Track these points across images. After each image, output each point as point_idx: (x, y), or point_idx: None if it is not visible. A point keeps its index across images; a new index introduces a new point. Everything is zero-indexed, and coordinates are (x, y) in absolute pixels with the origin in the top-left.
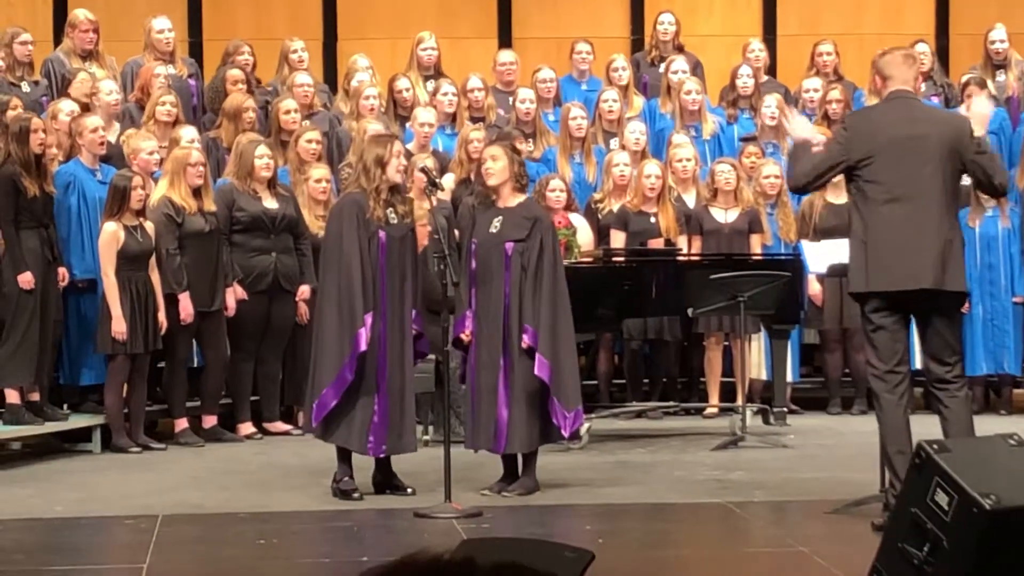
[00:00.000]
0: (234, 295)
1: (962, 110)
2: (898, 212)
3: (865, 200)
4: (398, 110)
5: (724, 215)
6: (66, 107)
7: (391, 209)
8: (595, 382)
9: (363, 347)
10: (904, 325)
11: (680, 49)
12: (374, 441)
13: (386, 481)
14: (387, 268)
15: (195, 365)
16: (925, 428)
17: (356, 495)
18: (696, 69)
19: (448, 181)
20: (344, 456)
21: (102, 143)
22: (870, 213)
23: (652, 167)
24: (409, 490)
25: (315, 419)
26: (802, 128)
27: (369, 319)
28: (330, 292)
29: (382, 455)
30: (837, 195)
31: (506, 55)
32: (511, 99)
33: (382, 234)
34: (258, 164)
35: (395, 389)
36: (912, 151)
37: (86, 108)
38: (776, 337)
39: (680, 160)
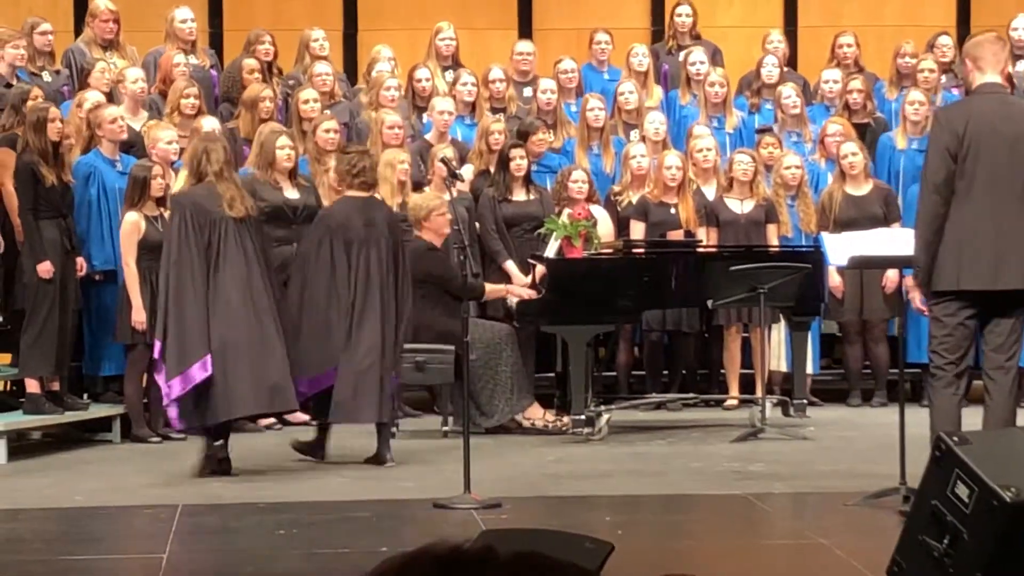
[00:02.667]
0: None
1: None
2: (989, 211)
3: (956, 197)
4: (416, 100)
5: (740, 206)
6: (92, 97)
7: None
8: (615, 373)
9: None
10: (975, 322)
11: (698, 38)
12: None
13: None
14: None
15: None
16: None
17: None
18: (715, 56)
19: (467, 172)
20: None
21: (122, 131)
22: (960, 211)
23: (672, 158)
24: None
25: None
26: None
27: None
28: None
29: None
30: (857, 187)
31: (524, 45)
32: (529, 89)
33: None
34: (279, 154)
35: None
36: (1003, 150)
37: (108, 98)
38: (796, 329)
39: (701, 150)
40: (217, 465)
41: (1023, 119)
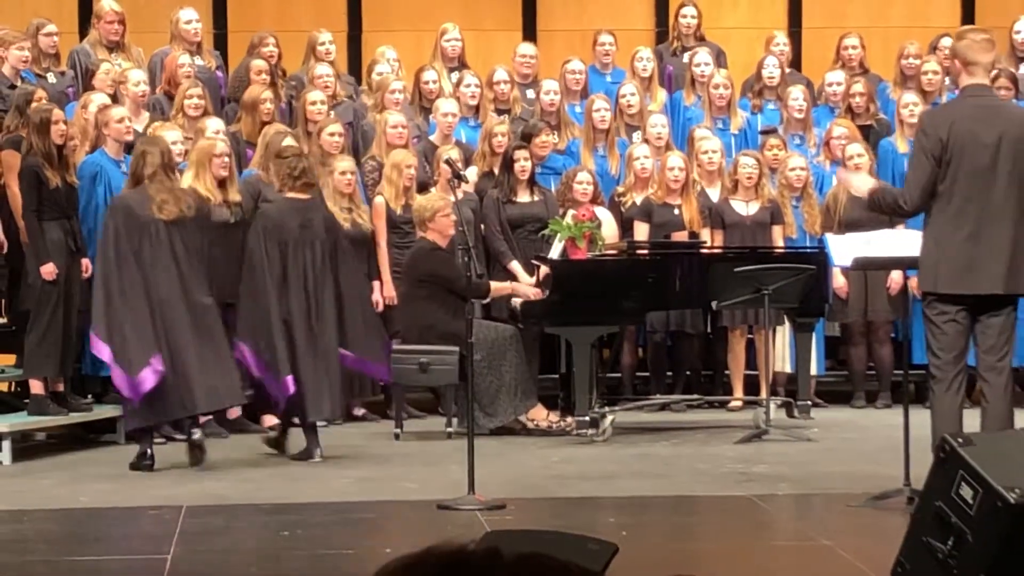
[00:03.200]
0: None
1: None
2: (971, 215)
3: (937, 201)
4: (423, 102)
5: (745, 208)
6: (98, 99)
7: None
8: (619, 375)
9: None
10: (968, 318)
11: (702, 40)
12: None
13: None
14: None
15: None
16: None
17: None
18: (719, 58)
19: (471, 173)
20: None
21: (128, 132)
22: (941, 214)
23: (676, 159)
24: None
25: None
26: (864, 180)
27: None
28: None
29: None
30: None
31: (526, 48)
32: (532, 91)
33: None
34: None
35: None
36: (987, 152)
37: (112, 99)
38: (800, 330)
39: (706, 152)
40: (142, 463)
41: (1007, 122)
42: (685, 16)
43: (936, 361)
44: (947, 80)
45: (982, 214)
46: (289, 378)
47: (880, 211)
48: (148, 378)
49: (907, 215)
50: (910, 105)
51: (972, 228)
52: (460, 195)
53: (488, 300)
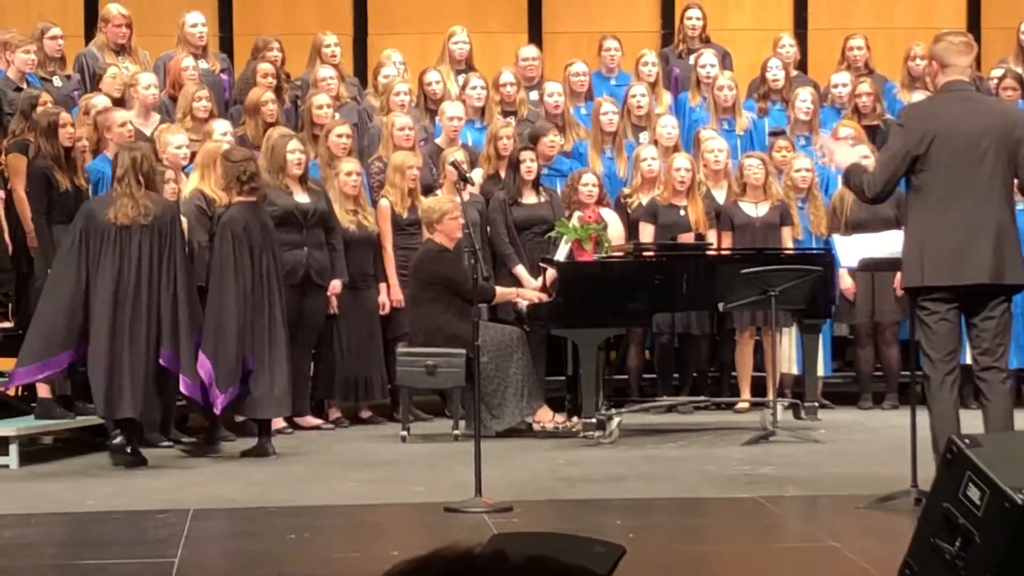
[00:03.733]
0: None
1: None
2: (954, 207)
3: (919, 195)
4: (428, 104)
5: (754, 209)
6: (99, 102)
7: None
8: (625, 376)
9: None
10: (958, 315)
11: (707, 41)
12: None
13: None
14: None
15: None
16: (974, 423)
17: (128, 452)
18: (724, 60)
19: (477, 176)
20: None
21: (131, 136)
22: (924, 208)
23: (681, 160)
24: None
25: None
26: (846, 154)
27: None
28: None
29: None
30: None
31: (528, 50)
32: (535, 93)
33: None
34: (290, 159)
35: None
36: (967, 145)
37: (117, 103)
38: (807, 332)
39: (712, 151)
40: (123, 458)
41: (989, 114)
42: (691, 18)
43: (928, 361)
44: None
45: (965, 206)
46: (232, 388)
47: (848, 187)
48: (52, 366)
49: (868, 201)
50: None
51: (955, 220)
52: (466, 197)
53: (493, 304)
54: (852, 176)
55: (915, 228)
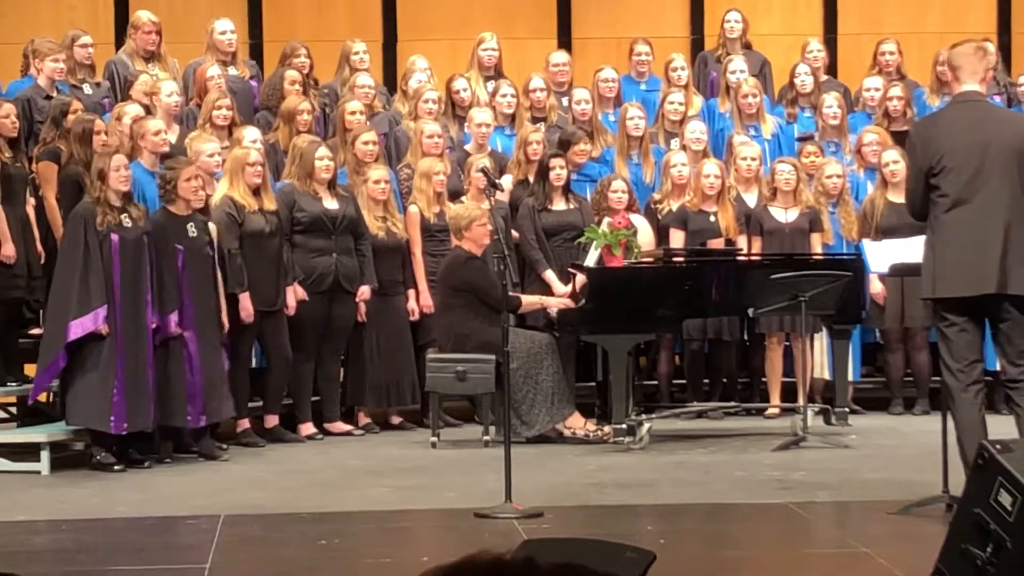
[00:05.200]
0: (295, 295)
1: None
2: (963, 218)
3: (934, 207)
4: (456, 110)
5: (784, 215)
6: (132, 110)
7: (125, 215)
8: (656, 382)
9: (71, 337)
10: (977, 324)
11: (748, 47)
12: (115, 420)
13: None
14: (120, 265)
15: (253, 365)
16: (1005, 428)
17: (117, 467)
18: (763, 68)
19: (506, 182)
20: (97, 435)
21: (164, 145)
22: (936, 220)
23: (711, 166)
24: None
25: (31, 397)
26: None
27: (103, 312)
28: (56, 288)
29: (124, 432)
30: (898, 194)
31: (559, 56)
32: (566, 99)
33: (115, 237)
34: (318, 165)
35: (131, 373)
36: (976, 157)
37: (148, 110)
38: (837, 337)
39: (745, 158)
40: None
41: (997, 126)
42: (730, 21)
43: (948, 371)
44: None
45: (973, 217)
46: None
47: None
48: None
49: (915, 219)
50: None
51: (964, 232)
52: (493, 203)
53: (519, 314)
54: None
55: (929, 240)
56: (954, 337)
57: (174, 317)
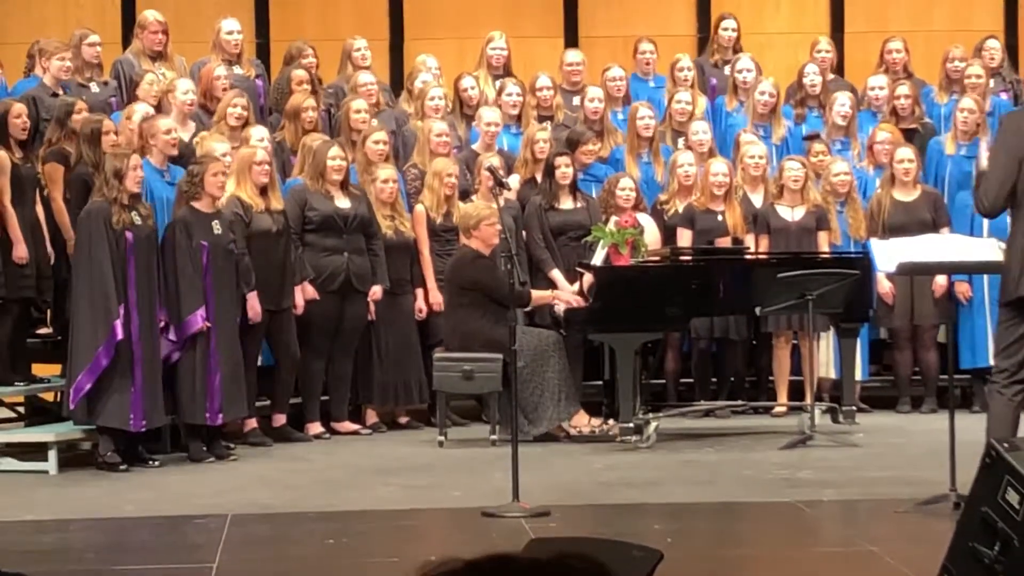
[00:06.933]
0: (303, 294)
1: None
2: (1019, 219)
3: (1017, 206)
4: (464, 109)
5: (791, 213)
6: (141, 109)
7: (135, 213)
8: (663, 381)
9: (120, 335)
10: None
11: (740, 52)
12: (135, 417)
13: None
14: (135, 264)
15: (260, 364)
16: None
17: (122, 467)
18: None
19: (514, 181)
20: (108, 433)
21: (174, 144)
22: (1016, 220)
23: (719, 165)
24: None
25: (72, 402)
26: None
27: (121, 310)
28: (82, 287)
29: (143, 429)
30: (906, 192)
31: (573, 55)
32: (577, 99)
33: (129, 235)
34: (330, 164)
35: (148, 371)
36: None
37: (156, 109)
38: (845, 335)
39: (752, 157)
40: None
41: None
42: (726, 29)
43: (995, 367)
44: (991, 83)
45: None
46: None
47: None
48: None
49: (985, 213)
50: (966, 111)
51: (1017, 235)
52: (502, 202)
53: (530, 308)
54: (978, 181)
55: (1009, 240)
56: (1006, 335)
57: (201, 313)
